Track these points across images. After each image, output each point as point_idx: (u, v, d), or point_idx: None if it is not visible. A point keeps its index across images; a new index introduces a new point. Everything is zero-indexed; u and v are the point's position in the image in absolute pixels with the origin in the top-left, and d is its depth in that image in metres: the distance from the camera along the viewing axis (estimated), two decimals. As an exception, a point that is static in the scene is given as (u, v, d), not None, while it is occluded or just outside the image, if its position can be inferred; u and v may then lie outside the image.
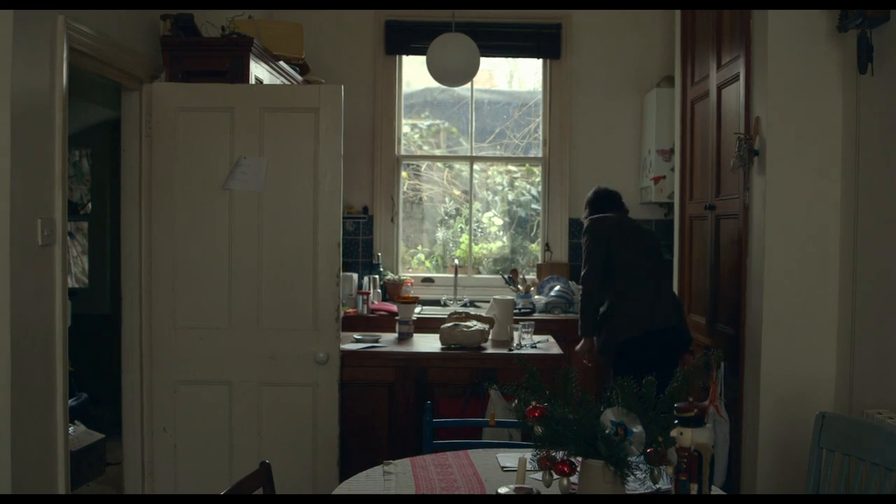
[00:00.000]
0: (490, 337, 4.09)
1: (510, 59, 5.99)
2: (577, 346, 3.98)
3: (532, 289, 5.56)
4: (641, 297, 3.78)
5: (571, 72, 5.74)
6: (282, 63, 4.37)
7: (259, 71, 4.03)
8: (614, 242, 3.84)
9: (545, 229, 5.85)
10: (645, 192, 5.54)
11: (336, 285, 3.70)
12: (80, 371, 4.78)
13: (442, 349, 3.94)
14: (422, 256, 6.06)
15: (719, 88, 3.92)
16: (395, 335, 4.26)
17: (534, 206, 6.01)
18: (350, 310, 5.21)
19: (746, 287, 3.53)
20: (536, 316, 5.21)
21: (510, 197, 6.08)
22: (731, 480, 3.62)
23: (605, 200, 4.13)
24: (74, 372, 4.18)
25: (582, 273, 3.91)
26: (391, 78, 5.80)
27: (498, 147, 6.05)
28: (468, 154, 6.00)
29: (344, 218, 4.11)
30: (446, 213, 6.11)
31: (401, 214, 5.91)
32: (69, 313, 3.14)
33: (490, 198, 6.11)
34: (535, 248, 5.96)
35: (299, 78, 4.69)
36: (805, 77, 3.34)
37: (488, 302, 4.48)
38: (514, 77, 6.13)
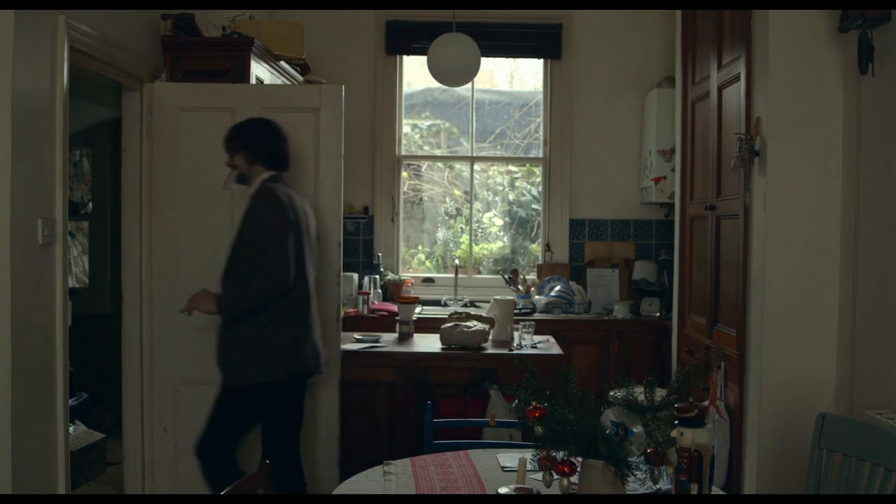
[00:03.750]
0: (490, 337, 4.09)
1: (511, 60, 5.99)
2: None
3: (532, 289, 5.56)
4: None
5: (572, 72, 5.74)
6: (282, 63, 4.37)
7: (260, 71, 4.04)
8: None
9: (545, 229, 5.84)
10: (645, 192, 5.54)
11: (336, 285, 3.70)
12: (80, 371, 4.78)
13: (442, 349, 3.94)
14: (422, 256, 6.06)
15: (720, 89, 3.92)
16: (396, 335, 4.26)
17: (534, 206, 6.01)
18: (350, 310, 5.21)
19: (747, 287, 3.53)
20: (537, 316, 5.21)
21: (511, 197, 6.08)
22: (732, 480, 3.62)
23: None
24: (74, 372, 4.18)
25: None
26: (392, 78, 5.80)
27: (498, 147, 6.05)
28: (469, 154, 6.00)
29: (344, 218, 4.11)
30: (447, 214, 6.11)
31: (401, 214, 5.91)
32: (69, 313, 3.14)
33: (490, 198, 6.11)
34: (536, 248, 5.96)
35: (300, 78, 4.70)
36: (806, 77, 3.33)
37: (489, 302, 4.48)
38: (515, 77, 6.13)
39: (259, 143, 3.25)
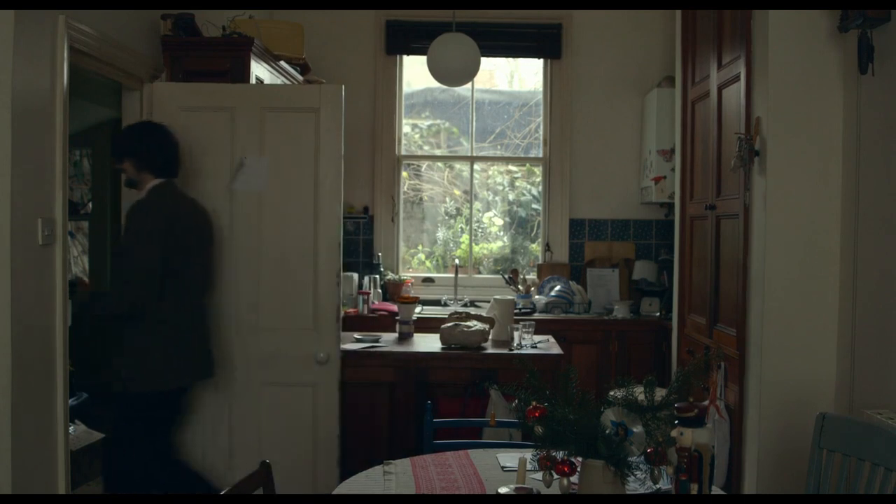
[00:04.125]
0: (490, 337, 4.09)
1: (511, 59, 5.99)
2: None
3: (532, 289, 5.56)
4: None
5: (572, 72, 5.75)
6: (282, 63, 4.37)
7: (260, 71, 4.04)
8: None
9: (545, 229, 5.85)
10: (645, 192, 5.54)
11: (336, 285, 3.70)
12: (80, 371, 4.77)
13: (442, 349, 3.94)
14: (422, 256, 6.06)
15: (720, 88, 3.92)
16: (396, 335, 4.26)
17: (534, 206, 6.01)
18: (350, 310, 5.21)
19: (747, 287, 3.53)
20: (537, 316, 5.21)
21: (510, 197, 6.08)
22: (732, 480, 3.62)
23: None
24: (74, 372, 4.17)
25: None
26: (392, 78, 5.80)
27: (498, 147, 6.05)
28: (469, 154, 6.00)
29: (344, 218, 4.11)
30: (447, 213, 6.11)
31: (401, 214, 5.91)
32: (69, 313, 3.14)
33: (490, 198, 6.11)
34: (536, 248, 5.96)
35: (300, 78, 4.70)
36: (806, 77, 3.34)
37: (489, 302, 4.48)
38: (515, 77, 6.13)
39: (144, 148, 3.21)
